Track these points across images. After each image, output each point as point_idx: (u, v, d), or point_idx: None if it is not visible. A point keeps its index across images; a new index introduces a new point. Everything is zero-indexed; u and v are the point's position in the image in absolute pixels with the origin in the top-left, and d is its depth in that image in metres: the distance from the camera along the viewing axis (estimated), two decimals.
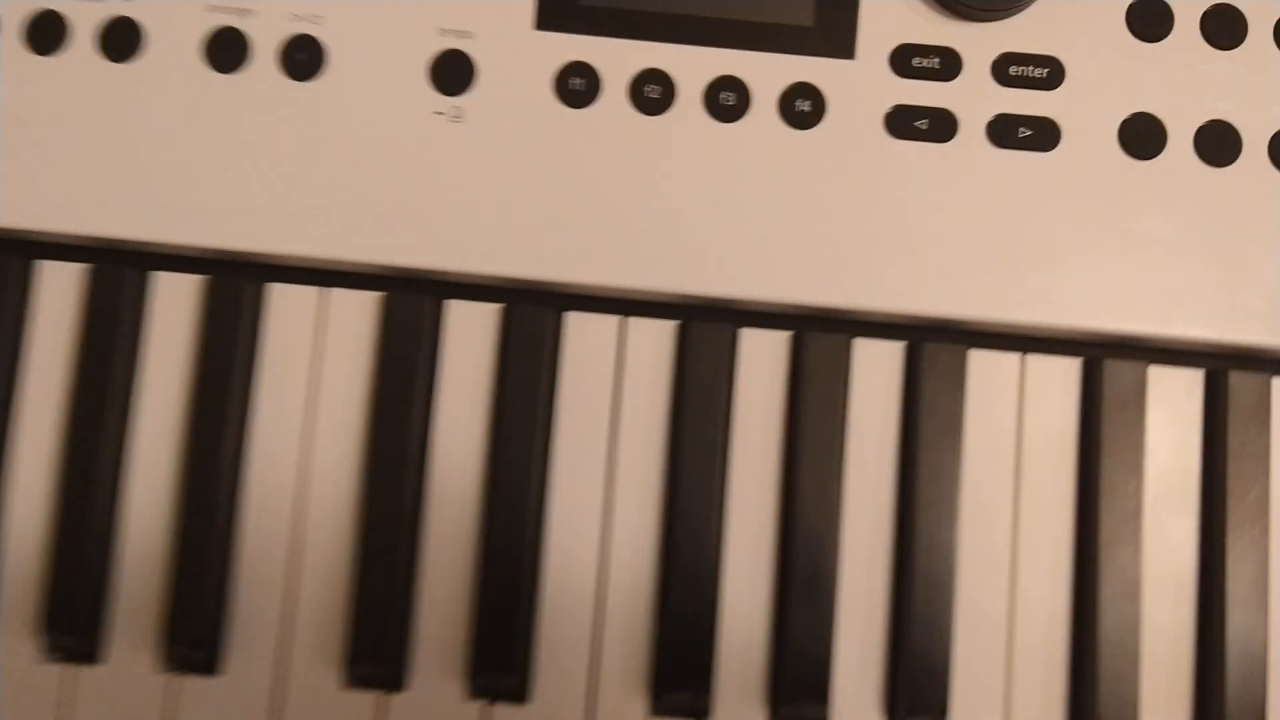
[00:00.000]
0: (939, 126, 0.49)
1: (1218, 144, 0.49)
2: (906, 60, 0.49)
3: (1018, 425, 0.49)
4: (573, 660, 0.48)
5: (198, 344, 0.49)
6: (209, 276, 0.49)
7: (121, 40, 0.48)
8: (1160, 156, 0.49)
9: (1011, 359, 0.50)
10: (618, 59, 0.49)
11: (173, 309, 0.49)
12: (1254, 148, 0.49)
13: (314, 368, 0.49)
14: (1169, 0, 0.49)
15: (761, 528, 0.49)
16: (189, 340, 0.49)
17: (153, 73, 0.48)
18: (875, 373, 0.50)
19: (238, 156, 0.48)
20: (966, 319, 0.48)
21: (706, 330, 0.49)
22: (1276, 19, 0.49)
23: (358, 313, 0.50)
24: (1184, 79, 0.49)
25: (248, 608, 0.48)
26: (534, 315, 0.49)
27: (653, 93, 0.48)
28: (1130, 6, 0.49)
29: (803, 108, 0.49)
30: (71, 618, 0.47)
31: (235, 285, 0.49)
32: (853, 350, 0.50)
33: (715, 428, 0.49)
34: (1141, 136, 0.49)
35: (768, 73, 0.49)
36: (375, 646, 0.47)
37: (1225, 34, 0.49)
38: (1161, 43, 0.49)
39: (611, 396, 0.50)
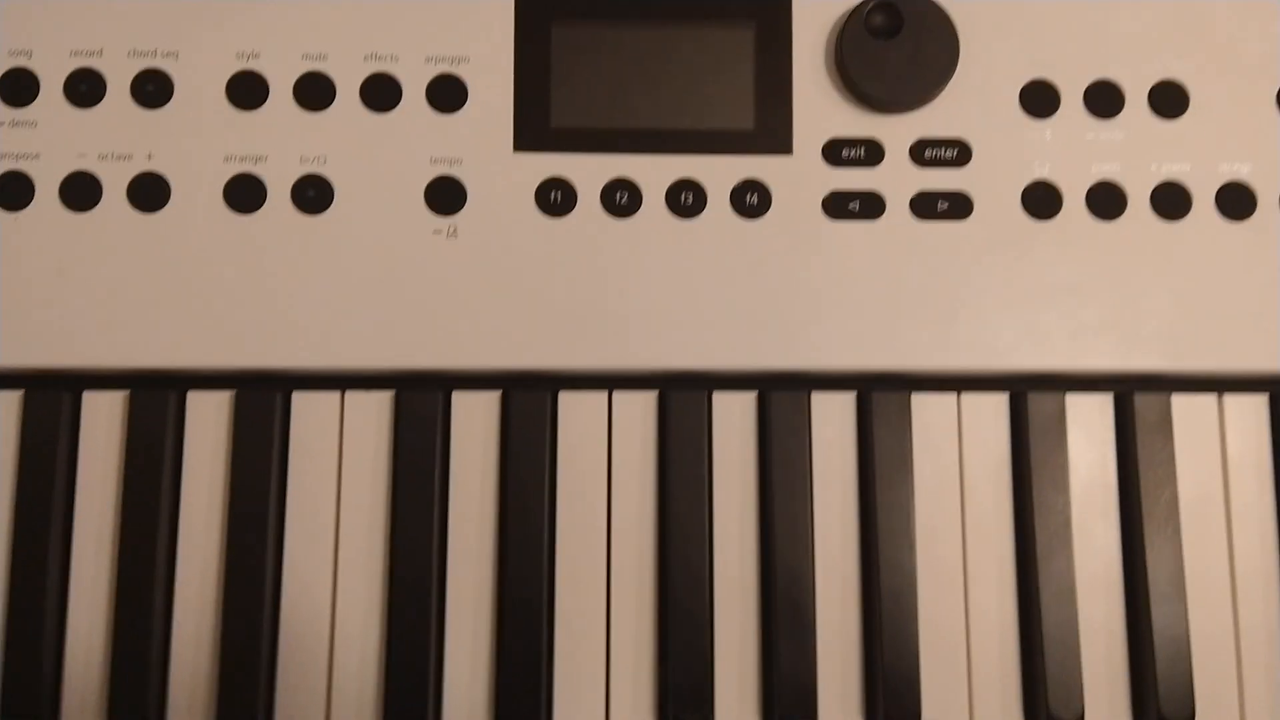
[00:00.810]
0: (869, 207, 0.56)
1: (1106, 201, 0.56)
2: (837, 152, 0.56)
3: (959, 456, 0.56)
4: (592, 698, 0.54)
5: (231, 452, 0.54)
6: (236, 391, 0.55)
7: (149, 193, 0.54)
8: (1058, 216, 0.56)
9: (949, 399, 0.57)
10: (589, 171, 0.55)
11: (207, 423, 0.55)
12: (1138, 201, 0.56)
13: (336, 463, 0.55)
14: (1054, 80, 0.57)
15: (745, 571, 0.55)
16: (224, 450, 0.55)
17: (179, 220, 0.54)
18: (832, 420, 0.56)
19: (260, 286, 0.54)
20: (908, 369, 0.55)
21: (684, 397, 0.56)
22: (1149, 87, 0.57)
23: (373, 411, 0.55)
24: (1072, 147, 0.56)
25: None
26: (531, 398, 0.55)
27: (622, 198, 0.55)
28: (1022, 89, 0.56)
29: (752, 200, 0.55)
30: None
31: (262, 396, 0.54)
32: (811, 403, 0.56)
33: (698, 481, 0.55)
34: (1041, 200, 0.56)
35: (719, 172, 0.55)
36: None
37: (1106, 105, 0.57)
38: (1051, 118, 0.57)
39: (604, 461, 0.56)
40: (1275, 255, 0.56)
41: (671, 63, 0.56)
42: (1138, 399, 0.56)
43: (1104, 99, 0.57)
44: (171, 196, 0.54)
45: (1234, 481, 0.56)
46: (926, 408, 0.56)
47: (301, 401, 0.55)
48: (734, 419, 0.56)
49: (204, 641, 0.53)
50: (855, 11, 0.55)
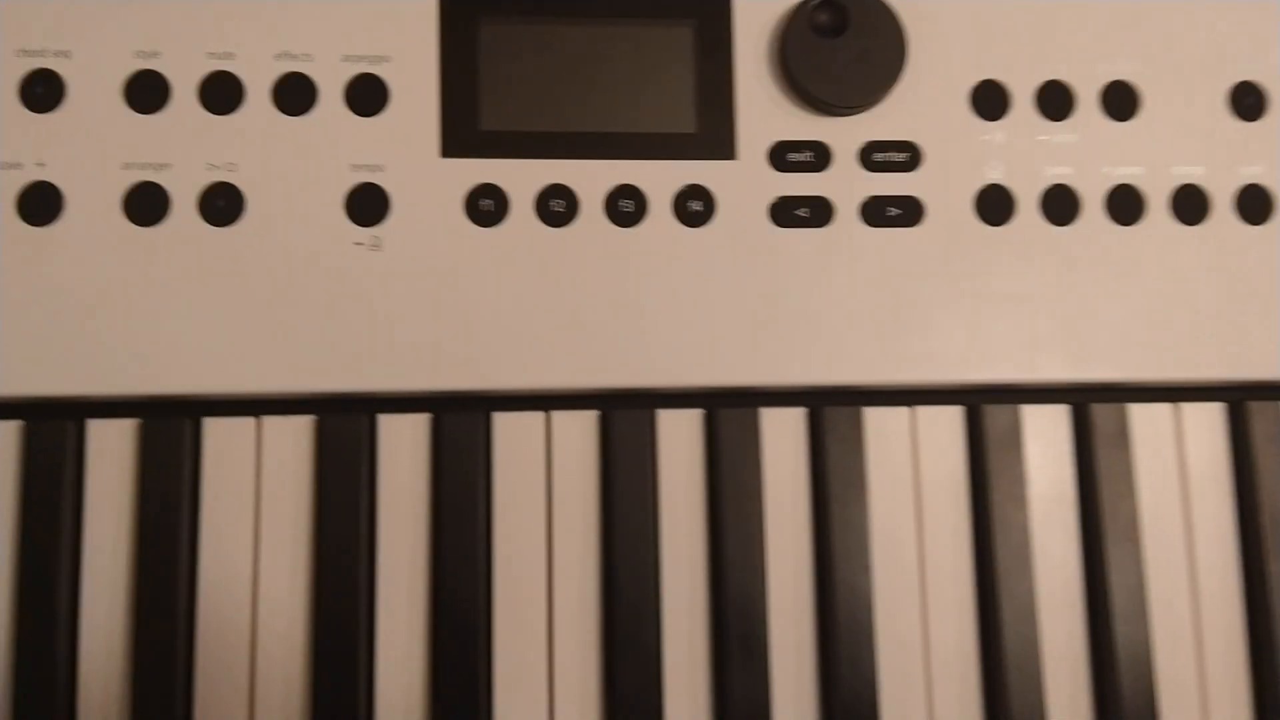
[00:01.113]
0: (817, 213, 0.53)
1: (1060, 205, 0.54)
2: (783, 156, 0.53)
3: (914, 472, 0.54)
4: None
5: (138, 486, 0.50)
6: (142, 420, 0.50)
7: (40, 205, 0.49)
8: (1011, 221, 0.54)
9: (902, 413, 0.54)
10: (522, 178, 0.52)
11: (110, 455, 0.50)
12: (1092, 205, 0.54)
13: (254, 494, 0.51)
14: (1004, 81, 0.54)
15: (694, 595, 0.52)
16: (129, 482, 0.50)
17: (73, 233, 0.49)
18: (782, 438, 0.53)
19: (165, 305, 0.49)
20: (859, 384, 0.53)
21: (626, 417, 0.52)
22: (1100, 87, 0.55)
23: (291, 438, 0.51)
24: (1024, 150, 0.54)
25: None
26: (463, 420, 0.52)
27: (557, 206, 0.52)
28: (972, 90, 0.54)
29: (695, 207, 0.52)
30: None
31: (169, 424, 0.50)
32: (760, 419, 0.54)
33: (644, 504, 0.52)
34: (994, 205, 0.54)
35: (660, 178, 0.52)
36: None
37: (1057, 106, 0.55)
38: (1002, 120, 0.54)
39: (544, 486, 0.52)
40: (1230, 259, 0.54)
41: (608, 63, 0.53)
42: (1094, 410, 0.54)
43: (1055, 100, 0.54)
44: (65, 208, 0.49)
45: (1193, 492, 0.55)
46: (879, 422, 0.54)
47: (213, 428, 0.51)
48: (680, 438, 0.53)
49: (114, 682, 0.49)
50: (799, 9, 0.53)
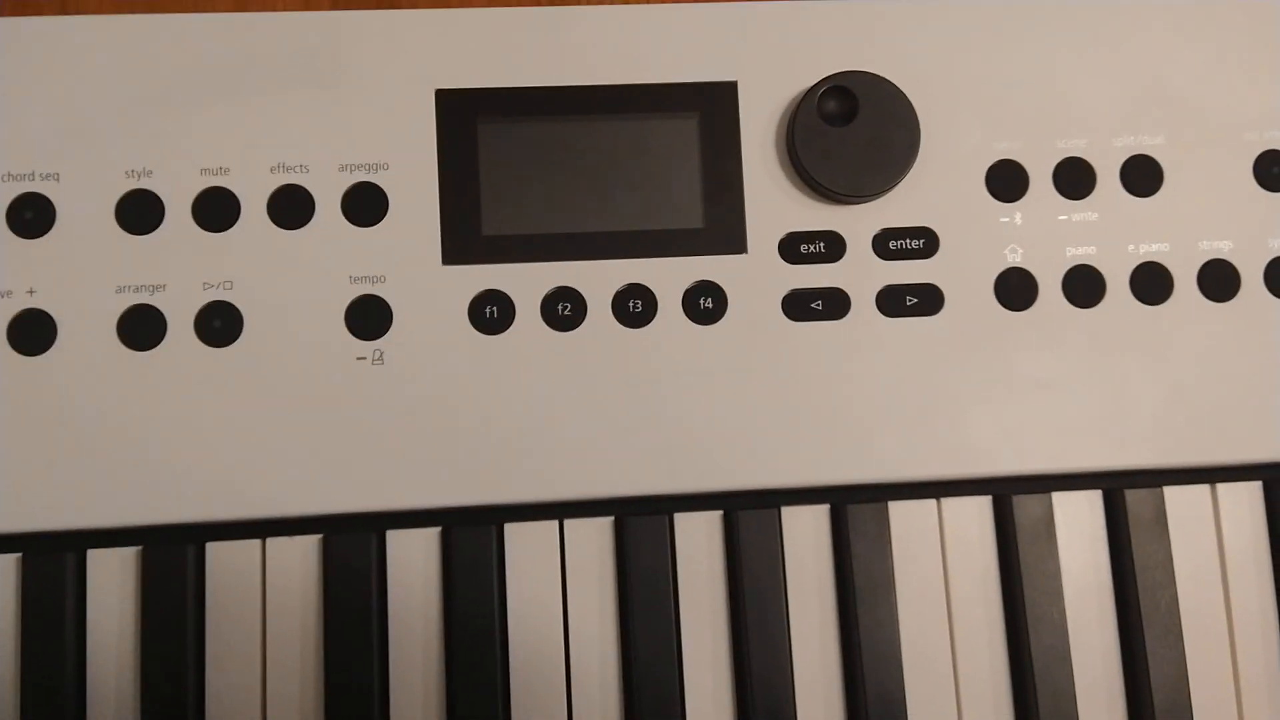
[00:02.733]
0: (832, 305, 0.50)
1: (1084, 286, 0.51)
2: (794, 248, 0.51)
3: (943, 568, 0.51)
4: None
5: (141, 614, 0.48)
6: (143, 547, 0.48)
7: (32, 333, 0.47)
8: (1034, 306, 0.51)
9: (929, 505, 0.51)
10: (526, 282, 0.49)
11: (112, 584, 0.48)
12: (1117, 285, 0.51)
13: (260, 618, 0.48)
14: (1021, 161, 0.52)
15: (720, 706, 0.49)
16: (132, 612, 0.48)
17: (68, 361, 0.47)
18: (805, 537, 0.50)
19: (163, 431, 0.47)
20: (884, 480, 0.50)
21: (642, 523, 0.50)
22: (1121, 163, 0.52)
23: (298, 558, 0.48)
24: (1045, 231, 0.52)
25: None
26: (474, 533, 0.49)
27: (564, 310, 0.49)
28: (988, 171, 0.52)
29: (706, 304, 0.50)
30: None
31: (171, 551, 0.47)
32: (782, 519, 0.51)
33: (664, 612, 0.49)
34: (1015, 289, 0.51)
35: (669, 276, 0.50)
36: None
37: (1076, 185, 0.52)
38: (1020, 200, 0.52)
39: (560, 596, 0.49)
40: (1262, 335, 0.51)
41: (611, 159, 0.50)
42: (1129, 495, 0.51)
43: (1075, 178, 0.52)
44: (58, 335, 0.47)
45: (1233, 576, 0.51)
46: (905, 516, 0.51)
47: (217, 553, 0.48)
48: (699, 541, 0.50)
49: None
50: (806, 97, 0.50)
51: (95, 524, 0.46)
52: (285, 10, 0.53)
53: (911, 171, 0.51)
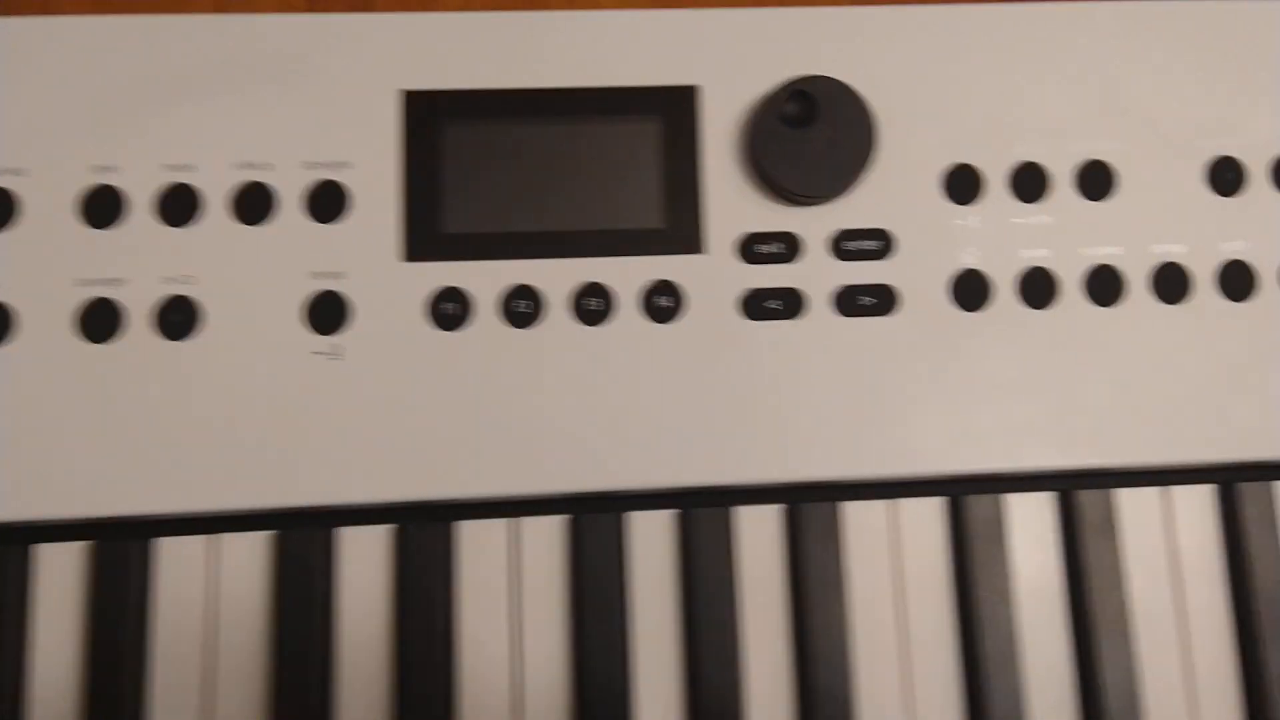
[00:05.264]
0: (789, 305, 0.49)
1: (1038, 288, 0.50)
2: (752, 248, 0.50)
3: (895, 568, 0.50)
4: None
5: (88, 610, 0.47)
6: (93, 543, 0.47)
7: None
8: (988, 307, 0.50)
9: (880, 506, 0.50)
10: (486, 280, 0.48)
11: (60, 579, 0.47)
12: (1070, 287, 0.50)
13: (210, 615, 0.47)
14: (977, 165, 0.51)
15: (669, 703, 0.48)
16: (79, 607, 0.47)
17: (27, 353, 0.46)
18: (758, 537, 0.49)
19: (121, 423, 0.46)
20: (837, 479, 0.49)
21: (595, 521, 0.49)
22: (1075, 166, 0.51)
23: (247, 554, 0.47)
24: (999, 233, 0.51)
25: None
26: (427, 531, 0.48)
27: (522, 307, 0.48)
28: (944, 174, 0.51)
29: (663, 303, 0.49)
30: None
31: (121, 546, 0.46)
32: (734, 518, 0.50)
33: (615, 610, 0.48)
34: (969, 291, 0.50)
35: (627, 275, 0.49)
36: None
37: (1031, 188, 0.51)
38: (975, 203, 0.51)
39: (511, 594, 0.48)
40: (1214, 337, 0.51)
41: (573, 161, 0.49)
42: (1081, 497, 0.51)
43: (1030, 182, 0.51)
44: (18, 327, 0.46)
45: (1186, 579, 0.50)
46: (858, 517, 0.50)
47: (166, 548, 0.47)
48: (652, 540, 0.49)
49: None
50: (767, 100, 0.49)
51: (47, 516, 0.45)
52: (263, 12, 0.52)
53: (869, 174, 0.50)
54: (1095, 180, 0.51)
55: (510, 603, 0.48)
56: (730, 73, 0.50)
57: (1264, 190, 0.51)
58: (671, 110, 0.50)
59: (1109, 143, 0.51)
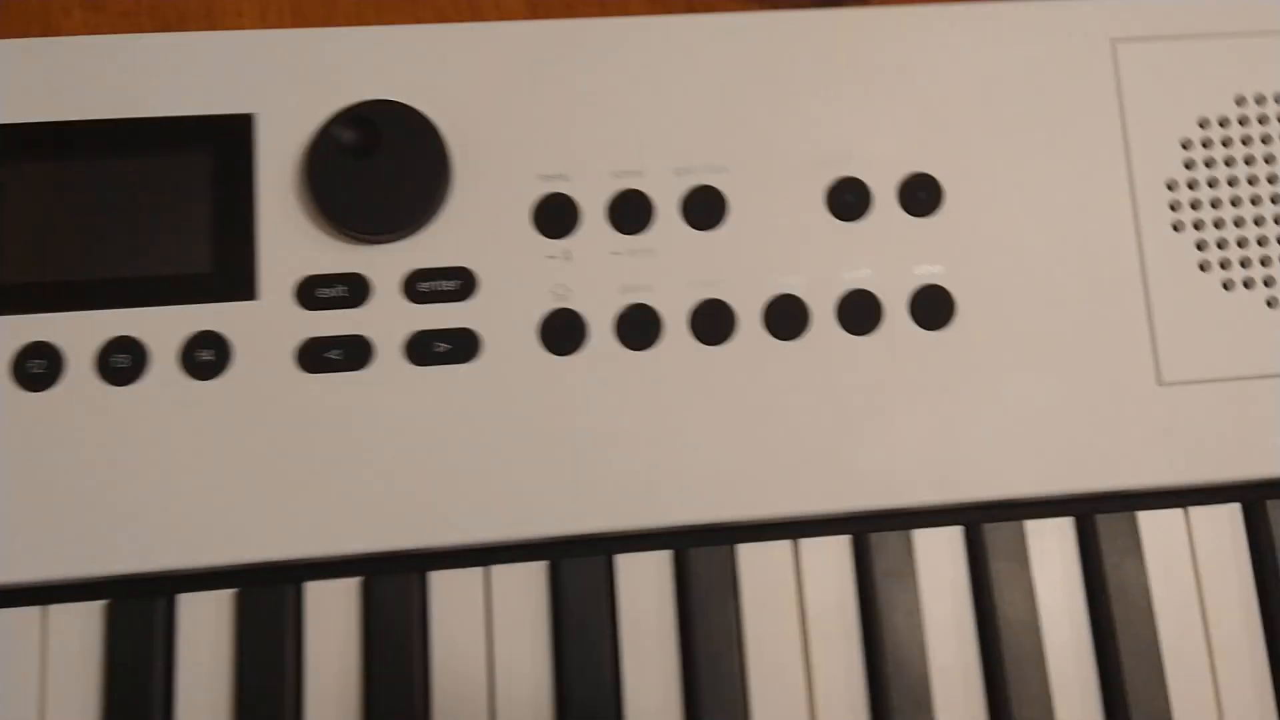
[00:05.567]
0: (353, 354, 0.44)
1: (637, 328, 0.45)
2: (312, 292, 0.45)
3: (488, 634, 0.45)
4: None
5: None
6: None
7: None
8: (582, 349, 0.45)
9: (476, 574, 0.45)
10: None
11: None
12: (675, 325, 0.46)
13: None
14: (573, 194, 0.46)
15: None
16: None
17: None
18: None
19: None
20: (423, 548, 0.44)
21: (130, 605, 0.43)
22: (682, 195, 0.46)
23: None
24: (596, 268, 0.46)
25: None
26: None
27: (36, 367, 0.43)
28: (535, 206, 0.46)
29: (205, 357, 0.44)
30: None
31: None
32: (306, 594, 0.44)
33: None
34: (561, 332, 0.45)
35: (165, 327, 0.44)
36: None
37: (633, 218, 0.46)
38: (570, 236, 0.46)
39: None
40: (835, 374, 0.46)
41: (110, 201, 0.44)
42: (695, 554, 0.45)
43: (630, 211, 0.46)
44: None
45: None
46: (443, 584, 0.45)
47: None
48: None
49: None
50: (324, 128, 0.45)
51: None
52: None
53: (446, 208, 0.46)
54: (704, 207, 0.47)
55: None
56: (291, 99, 0.46)
57: (891, 212, 0.47)
58: (224, 141, 0.45)
59: (719, 166, 0.47)
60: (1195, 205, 0.48)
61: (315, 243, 0.45)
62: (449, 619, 0.44)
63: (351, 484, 0.44)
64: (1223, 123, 0.49)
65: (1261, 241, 0.48)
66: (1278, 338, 0.48)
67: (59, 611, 0.43)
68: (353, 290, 0.45)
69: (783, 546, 0.46)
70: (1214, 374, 0.47)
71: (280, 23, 0.55)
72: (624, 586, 0.45)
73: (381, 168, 0.45)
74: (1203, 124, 0.49)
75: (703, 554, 0.45)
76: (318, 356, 0.44)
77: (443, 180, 0.45)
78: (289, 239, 0.45)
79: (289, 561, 0.43)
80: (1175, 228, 0.48)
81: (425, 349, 0.45)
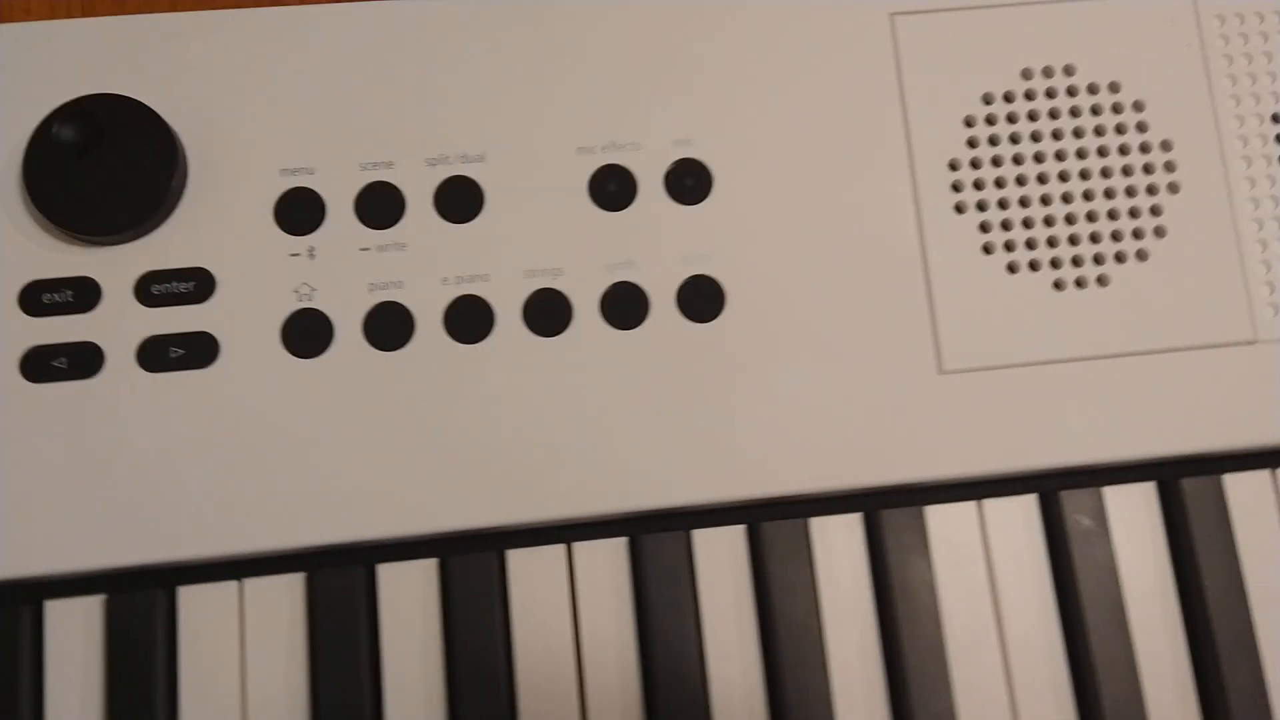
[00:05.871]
0: (82, 361, 0.42)
1: (387, 328, 0.43)
2: (37, 298, 0.42)
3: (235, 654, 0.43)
4: None
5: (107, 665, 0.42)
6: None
7: None
8: (329, 351, 0.43)
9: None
10: None
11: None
12: (428, 322, 0.43)
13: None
14: (318, 189, 0.44)
15: None
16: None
17: None
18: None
19: None
20: (175, 560, 0.42)
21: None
22: (434, 186, 0.44)
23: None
24: (343, 265, 0.44)
25: None
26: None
27: None
28: (276, 202, 0.44)
29: None
30: None
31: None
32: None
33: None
34: (306, 333, 0.43)
35: None
36: None
37: (384, 212, 0.44)
38: (315, 233, 0.44)
39: None
40: (600, 369, 0.44)
41: None
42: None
43: (380, 204, 0.44)
44: None
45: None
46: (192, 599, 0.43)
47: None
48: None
49: None
50: (41, 124, 0.42)
51: None
52: None
53: (183, 206, 0.43)
54: (458, 199, 0.45)
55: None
56: (7, 96, 0.43)
57: (657, 202, 0.45)
58: None
59: (475, 156, 0.45)
60: (979, 185, 0.46)
61: (40, 245, 0.43)
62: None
63: (65, 499, 0.41)
64: (1008, 98, 0.47)
65: (1048, 221, 0.46)
66: (1064, 321, 0.46)
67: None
68: (80, 295, 0.43)
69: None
70: (999, 360, 0.45)
71: (70, 15, 0.53)
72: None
73: (106, 165, 0.42)
74: (987, 99, 0.47)
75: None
76: (43, 365, 0.42)
77: (173, 176, 0.43)
78: (11, 241, 0.43)
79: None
80: (958, 209, 0.46)
81: (159, 354, 0.42)
